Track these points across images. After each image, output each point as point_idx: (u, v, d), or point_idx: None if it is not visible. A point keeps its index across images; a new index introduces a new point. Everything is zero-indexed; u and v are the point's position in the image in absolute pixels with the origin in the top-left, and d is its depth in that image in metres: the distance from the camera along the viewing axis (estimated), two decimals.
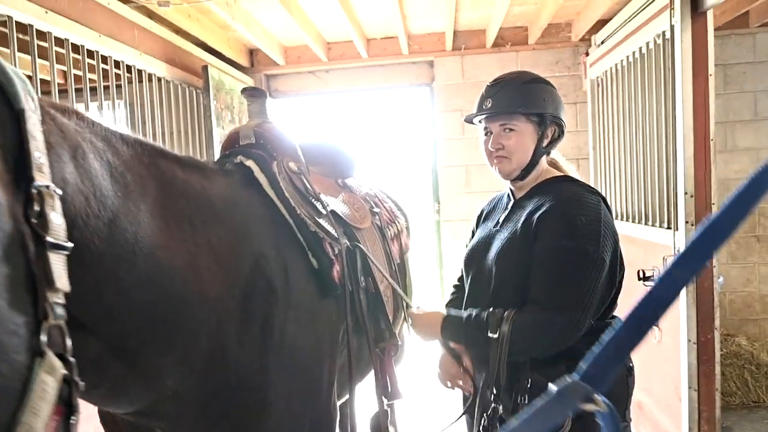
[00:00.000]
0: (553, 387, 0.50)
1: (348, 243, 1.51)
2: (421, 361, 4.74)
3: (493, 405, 1.38)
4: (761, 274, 4.09)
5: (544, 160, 1.54)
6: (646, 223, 3.09)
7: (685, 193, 2.64)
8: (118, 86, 2.70)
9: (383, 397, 1.55)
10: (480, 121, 1.58)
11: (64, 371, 0.62)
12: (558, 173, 1.56)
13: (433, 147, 4.45)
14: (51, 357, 0.60)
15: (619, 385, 1.39)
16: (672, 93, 2.72)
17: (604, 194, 2.21)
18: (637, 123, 3.20)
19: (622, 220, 3.38)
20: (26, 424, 0.54)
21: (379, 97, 4.96)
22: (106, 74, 2.62)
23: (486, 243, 1.55)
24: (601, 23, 3.69)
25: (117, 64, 2.69)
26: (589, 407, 0.47)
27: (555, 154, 1.63)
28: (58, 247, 0.63)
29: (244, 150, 1.43)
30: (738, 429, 3.20)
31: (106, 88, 2.62)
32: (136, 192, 0.90)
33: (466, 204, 4.34)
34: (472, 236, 1.71)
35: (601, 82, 3.77)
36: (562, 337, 1.30)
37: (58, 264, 0.63)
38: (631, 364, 1.44)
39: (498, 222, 1.56)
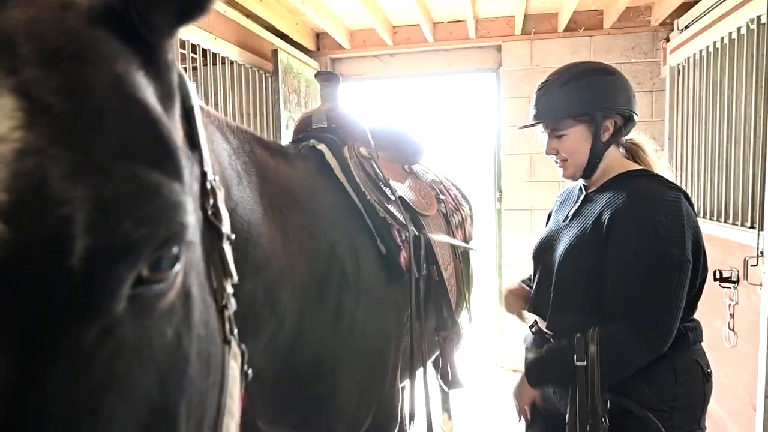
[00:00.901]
0: None
1: (414, 230, 1.51)
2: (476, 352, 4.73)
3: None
4: None
5: (613, 152, 1.46)
6: (725, 221, 2.91)
7: None
8: (194, 68, 2.81)
9: (443, 384, 1.56)
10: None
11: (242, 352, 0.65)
12: (634, 166, 1.45)
13: (497, 134, 4.35)
14: (234, 344, 0.62)
15: (696, 392, 1.32)
16: (765, 83, 2.53)
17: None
18: (721, 114, 2.99)
19: (698, 216, 3.20)
20: (228, 407, 0.57)
21: (443, 83, 4.90)
22: (183, 57, 2.72)
23: (553, 238, 1.50)
24: (685, 7, 3.46)
25: (194, 48, 2.79)
26: None
27: (641, 138, 1.53)
28: (229, 239, 0.65)
29: (317, 134, 1.45)
30: None
31: (184, 69, 2.72)
32: (245, 180, 0.93)
33: (528, 193, 4.24)
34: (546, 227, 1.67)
35: (682, 69, 3.55)
36: (650, 356, 1.24)
37: (229, 254, 0.65)
38: (709, 370, 1.37)
39: (567, 216, 1.50)
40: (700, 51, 3.23)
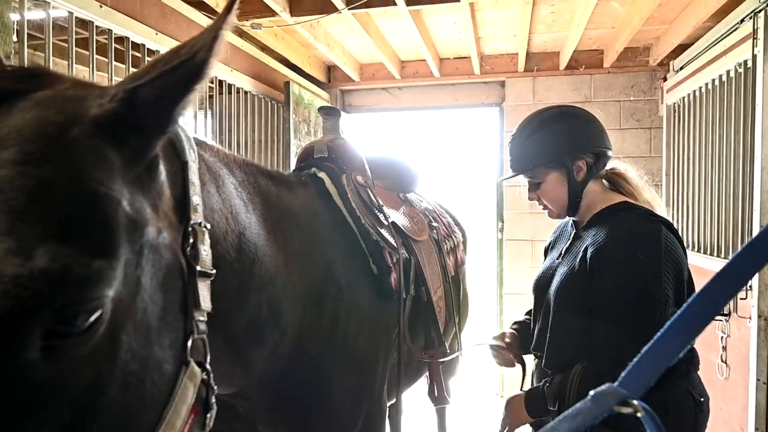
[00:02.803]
0: (591, 392, 0.53)
1: (405, 253, 1.62)
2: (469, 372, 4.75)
3: None
4: None
5: (594, 187, 1.50)
6: (718, 256, 2.98)
7: (761, 227, 2.54)
8: (210, 98, 2.99)
9: (431, 401, 1.64)
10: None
11: (203, 376, 0.75)
12: (617, 198, 1.49)
13: (500, 166, 4.48)
14: (193, 366, 0.73)
15: (687, 422, 1.34)
16: (752, 123, 2.64)
17: (675, 223, 2.13)
18: (714, 151, 3.10)
19: (693, 250, 3.27)
20: (169, 422, 0.67)
21: (449, 115, 5.07)
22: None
23: (548, 275, 1.55)
24: (681, 48, 3.61)
25: (211, 79, 2.97)
26: (625, 410, 0.51)
27: (623, 165, 1.57)
28: (205, 275, 0.77)
29: (318, 162, 1.58)
30: None
31: (199, 98, 2.91)
32: (251, 207, 1.06)
33: (529, 224, 4.34)
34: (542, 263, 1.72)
35: (678, 108, 3.68)
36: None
37: (204, 289, 0.77)
38: (702, 399, 1.37)
39: (561, 253, 1.55)
40: (694, 91, 3.36)
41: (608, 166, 1.55)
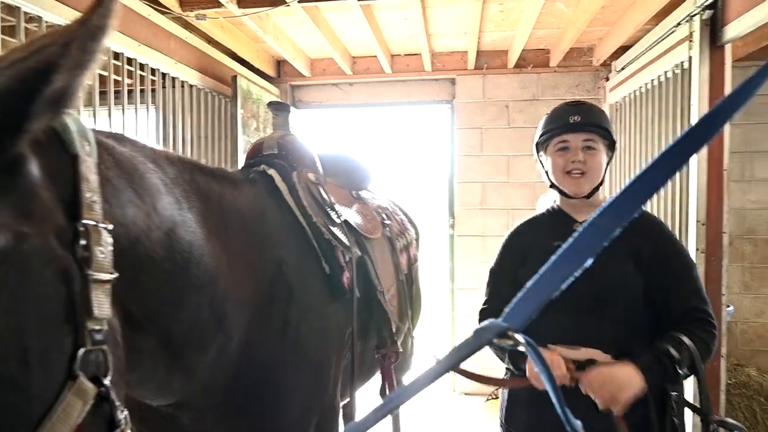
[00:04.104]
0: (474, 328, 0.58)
1: (358, 252, 1.59)
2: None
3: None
4: None
5: None
6: None
7: (697, 221, 2.67)
8: (153, 91, 2.86)
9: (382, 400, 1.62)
10: (551, 137, 1.55)
11: (101, 391, 0.67)
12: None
13: (451, 163, 4.53)
14: (82, 381, 0.65)
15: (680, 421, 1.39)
16: (687, 122, 2.77)
17: None
18: (653, 149, 3.24)
19: None
20: None
21: (400, 112, 5.07)
22: (142, 80, 2.77)
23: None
24: (623, 49, 3.74)
25: (153, 72, 2.84)
26: (503, 342, 0.55)
27: None
28: (100, 279, 0.69)
29: (267, 159, 1.53)
30: None
31: (142, 92, 2.78)
32: (185, 205, 1.00)
33: (480, 220, 4.41)
34: (508, 266, 1.61)
35: (620, 107, 3.82)
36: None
37: (100, 294, 0.69)
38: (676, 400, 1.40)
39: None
40: (635, 91, 3.50)
41: None
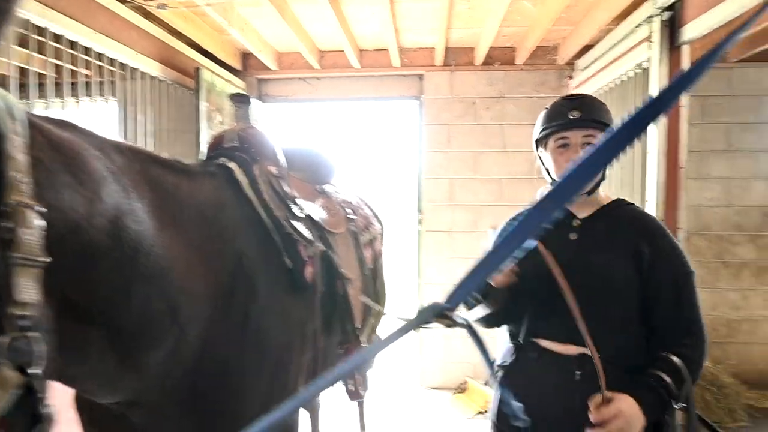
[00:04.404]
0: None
1: (322, 246, 1.58)
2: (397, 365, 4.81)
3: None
4: (728, 300, 4.23)
5: None
6: None
7: (656, 216, 2.75)
8: (112, 83, 2.76)
9: (348, 396, 1.62)
10: (549, 134, 1.52)
11: (25, 381, 0.64)
12: (611, 197, 1.55)
13: (419, 158, 4.54)
14: (2, 370, 0.62)
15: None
16: None
17: None
18: None
19: None
20: None
21: (369, 108, 5.06)
22: (100, 71, 2.68)
23: (564, 259, 1.39)
24: (587, 49, 3.82)
25: (111, 62, 2.75)
26: (442, 322, 0.58)
27: None
28: (26, 263, 0.66)
29: (228, 152, 1.50)
30: None
31: (101, 84, 2.68)
32: (134, 195, 0.96)
33: (447, 216, 4.44)
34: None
35: None
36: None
37: (26, 279, 0.66)
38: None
39: (567, 239, 1.48)
40: (598, 90, 3.57)
41: None
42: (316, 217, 1.65)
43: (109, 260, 0.86)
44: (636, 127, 0.49)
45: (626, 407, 1.22)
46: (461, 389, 4.30)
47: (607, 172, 1.51)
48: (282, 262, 1.41)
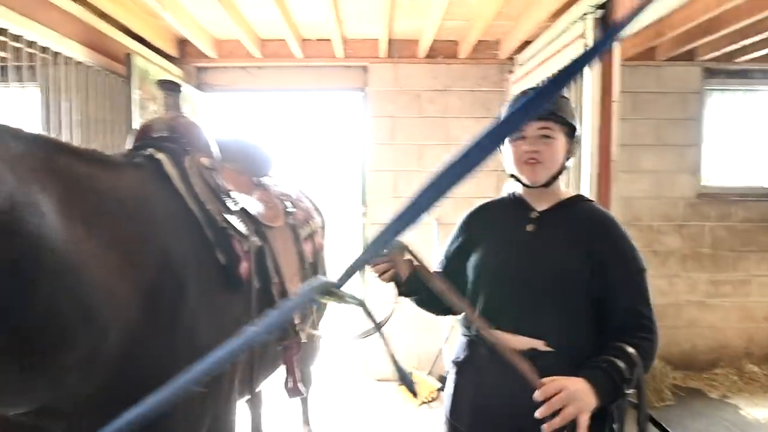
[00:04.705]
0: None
1: (258, 241, 1.53)
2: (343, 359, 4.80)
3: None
4: (656, 286, 4.46)
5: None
6: None
7: None
8: (31, 67, 2.57)
9: (286, 393, 1.58)
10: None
11: None
12: (572, 193, 1.55)
13: (363, 151, 4.52)
14: None
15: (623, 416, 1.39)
16: (579, 116, 2.94)
17: None
18: None
19: None
20: None
21: (312, 99, 4.97)
22: (17, 54, 2.48)
23: (518, 252, 1.45)
24: (527, 44, 3.90)
25: (31, 45, 2.55)
26: (329, 299, 0.60)
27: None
28: None
29: (156, 143, 1.42)
30: (627, 427, 3.47)
31: (18, 68, 2.49)
32: (35, 186, 0.89)
33: (392, 209, 4.44)
34: (460, 244, 1.61)
35: None
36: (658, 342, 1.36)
37: None
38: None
39: (524, 230, 1.48)
40: (537, 85, 3.66)
41: None
42: (251, 211, 1.59)
43: (4, 255, 0.79)
44: (569, 74, 0.51)
45: (571, 383, 1.19)
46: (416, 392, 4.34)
47: (568, 164, 1.50)
48: (215, 258, 1.35)
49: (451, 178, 0.52)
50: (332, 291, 0.55)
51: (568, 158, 1.49)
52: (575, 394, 1.18)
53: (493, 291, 1.46)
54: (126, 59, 3.22)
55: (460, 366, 1.50)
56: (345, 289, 0.60)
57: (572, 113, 1.49)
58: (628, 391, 1.26)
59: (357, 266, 0.60)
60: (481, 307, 1.47)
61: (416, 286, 1.50)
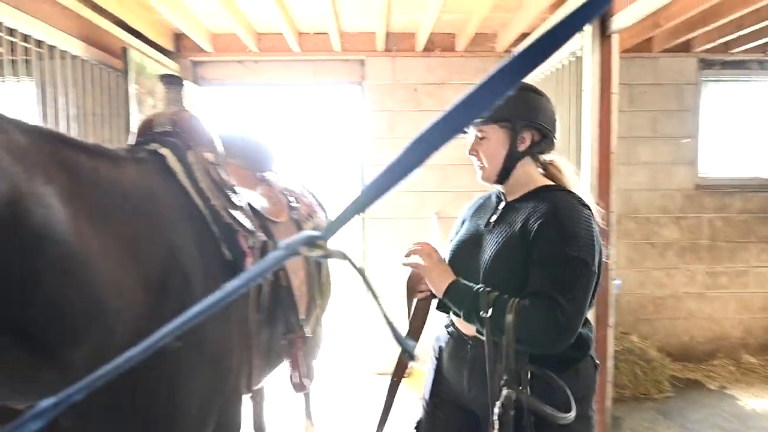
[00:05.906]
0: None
1: (263, 237, 1.52)
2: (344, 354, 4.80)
3: (507, 392, 1.31)
4: (654, 278, 4.49)
5: (531, 167, 1.53)
6: None
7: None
8: (27, 61, 2.54)
9: (292, 387, 1.58)
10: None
11: None
12: (551, 183, 1.53)
13: (362, 145, 4.50)
14: None
15: (590, 383, 1.46)
16: (579, 107, 2.94)
17: None
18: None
19: None
20: None
21: (309, 93, 4.95)
22: (12, 48, 2.45)
23: (475, 241, 1.54)
24: (525, 36, 3.89)
25: (26, 38, 2.52)
26: (314, 252, 0.55)
27: (561, 160, 1.60)
28: None
29: (159, 137, 1.41)
30: (628, 419, 3.50)
31: (13, 62, 2.46)
32: (41, 178, 0.88)
33: (393, 203, 4.43)
34: (456, 233, 1.68)
35: None
36: (563, 332, 1.30)
37: None
38: (597, 362, 1.50)
39: (488, 222, 1.54)
40: (534, 78, 3.65)
41: (548, 158, 1.58)
42: (256, 206, 1.58)
43: (8, 246, 0.78)
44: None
45: (437, 261, 1.46)
46: (407, 374, 4.35)
47: (523, 150, 1.51)
48: (220, 254, 1.34)
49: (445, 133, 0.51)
50: (317, 244, 0.53)
51: (526, 149, 1.49)
52: (431, 263, 1.45)
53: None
54: (122, 53, 3.18)
55: (439, 353, 1.65)
56: (331, 244, 0.58)
57: (503, 107, 1.37)
58: (479, 329, 1.40)
59: (344, 219, 0.57)
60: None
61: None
